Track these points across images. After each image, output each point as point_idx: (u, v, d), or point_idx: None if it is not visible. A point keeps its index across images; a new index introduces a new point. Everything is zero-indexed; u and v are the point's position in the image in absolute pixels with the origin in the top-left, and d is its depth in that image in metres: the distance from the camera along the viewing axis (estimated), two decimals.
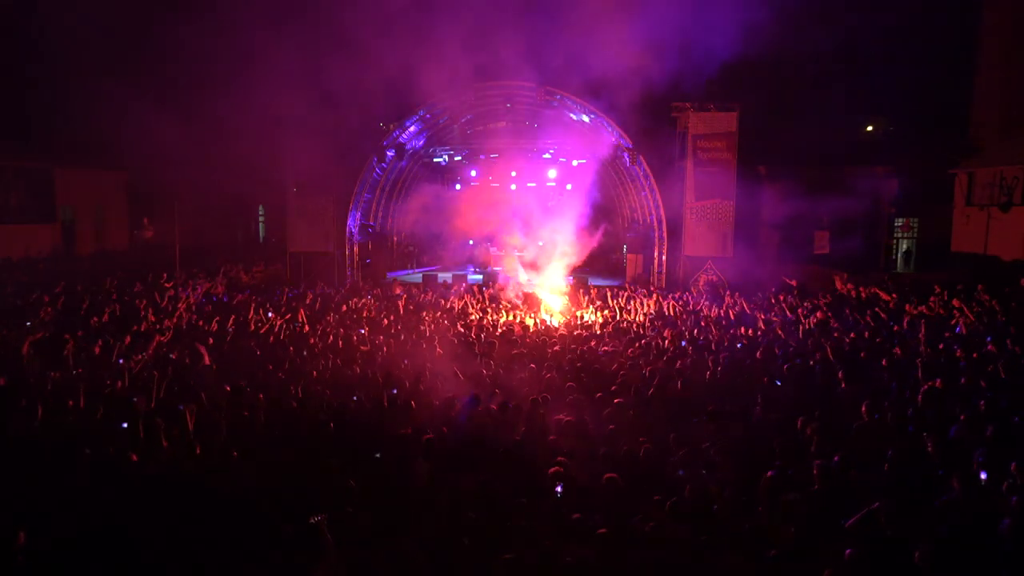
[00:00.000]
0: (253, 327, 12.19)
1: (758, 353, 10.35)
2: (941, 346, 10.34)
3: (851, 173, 22.08)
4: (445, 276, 21.87)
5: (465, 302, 15.73)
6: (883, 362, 9.44)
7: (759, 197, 22.08)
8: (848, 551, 4.42)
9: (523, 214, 23.00)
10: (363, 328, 12.65)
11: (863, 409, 7.23)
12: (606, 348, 11.13)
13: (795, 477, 5.74)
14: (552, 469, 5.79)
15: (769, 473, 5.70)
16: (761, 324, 12.75)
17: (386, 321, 13.35)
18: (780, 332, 11.86)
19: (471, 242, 24.40)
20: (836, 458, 5.96)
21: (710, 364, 9.64)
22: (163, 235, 23.90)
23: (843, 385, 8.40)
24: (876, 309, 13.95)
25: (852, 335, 11.55)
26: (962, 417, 6.87)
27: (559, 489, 5.59)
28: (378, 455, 6.51)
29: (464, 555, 4.78)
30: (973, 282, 15.99)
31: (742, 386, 8.62)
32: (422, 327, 12.75)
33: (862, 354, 10.12)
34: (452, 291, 18.19)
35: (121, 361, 9.51)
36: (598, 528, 4.85)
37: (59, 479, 5.78)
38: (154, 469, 6.05)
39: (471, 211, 22.78)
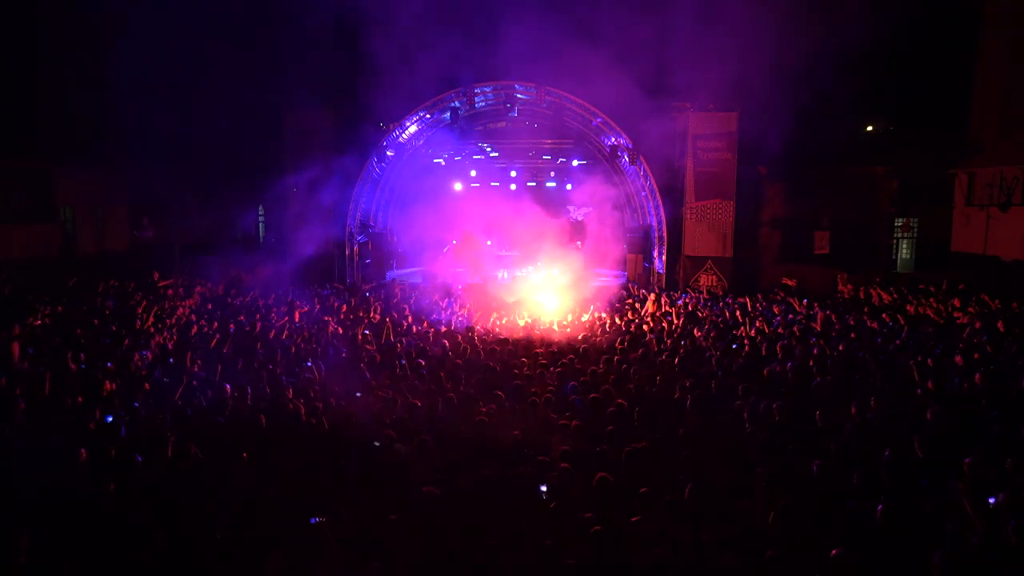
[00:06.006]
0: (258, 329, 12.20)
1: (746, 354, 10.36)
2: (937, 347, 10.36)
3: (851, 173, 22.09)
4: (445, 276, 21.89)
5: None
6: (880, 362, 9.46)
7: (759, 197, 22.08)
8: (834, 551, 4.43)
9: (521, 215, 23.01)
10: (366, 330, 12.65)
11: (853, 410, 7.26)
12: (596, 345, 11.13)
13: (795, 476, 5.76)
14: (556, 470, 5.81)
15: (762, 471, 5.72)
16: (759, 324, 12.76)
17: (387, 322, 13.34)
18: (780, 331, 11.87)
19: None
20: (835, 458, 5.98)
21: (710, 364, 9.65)
22: (163, 235, 23.87)
23: (839, 385, 8.42)
24: (868, 309, 13.97)
25: (852, 335, 11.57)
26: (935, 411, 6.89)
27: (543, 488, 5.62)
28: (378, 458, 6.52)
29: (464, 556, 4.79)
30: (973, 282, 16.02)
31: (740, 386, 8.62)
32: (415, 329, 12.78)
33: (860, 354, 10.14)
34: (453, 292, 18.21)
35: (112, 364, 9.48)
36: (597, 528, 4.86)
37: (59, 479, 5.79)
38: (154, 469, 6.06)
39: (471, 211, 22.81)
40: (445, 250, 23.89)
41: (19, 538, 4.57)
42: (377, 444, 6.53)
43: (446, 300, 16.43)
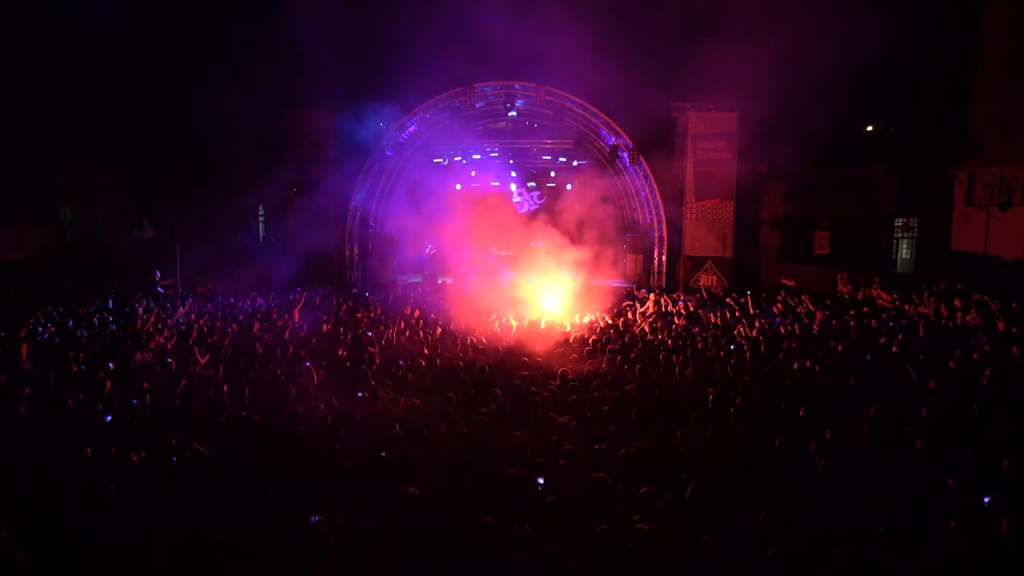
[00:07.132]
0: (256, 328, 12.20)
1: (746, 354, 10.35)
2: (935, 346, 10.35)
3: (851, 173, 22.09)
4: (445, 277, 21.88)
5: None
6: (880, 362, 9.45)
7: (759, 197, 22.07)
8: (839, 550, 4.43)
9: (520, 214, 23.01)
10: (370, 331, 12.64)
11: (872, 410, 7.25)
12: (607, 347, 11.12)
13: (796, 478, 5.75)
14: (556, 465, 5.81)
15: (763, 471, 5.72)
16: (760, 324, 12.75)
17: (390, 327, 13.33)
18: (781, 331, 11.87)
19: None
20: (836, 458, 5.97)
21: (711, 364, 9.65)
22: (163, 235, 23.87)
23: (840, 385, 8.42)
24: (868, 309, 13.97)
25: (852, 335, 11.56)
26: (934, 411, 6.88)
27: (540, 480, 5.62)
28: (379, 457, 6.50)
29: (464, 556, 4.78)
30: (973, 282, 16.01)
31: (740, 386, 8.62)
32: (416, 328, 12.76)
33: (860, 354, 10.14)
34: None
35: (114, 365, 9.48)
36: (598, 528, 4.85)
37: (59, 479, 5.79)
38: (154, 469, 6.05)
39: (471, 211, 22.78)
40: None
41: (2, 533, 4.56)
42: (383, 454, 6.50)
43: (445, 301, 16.43)
